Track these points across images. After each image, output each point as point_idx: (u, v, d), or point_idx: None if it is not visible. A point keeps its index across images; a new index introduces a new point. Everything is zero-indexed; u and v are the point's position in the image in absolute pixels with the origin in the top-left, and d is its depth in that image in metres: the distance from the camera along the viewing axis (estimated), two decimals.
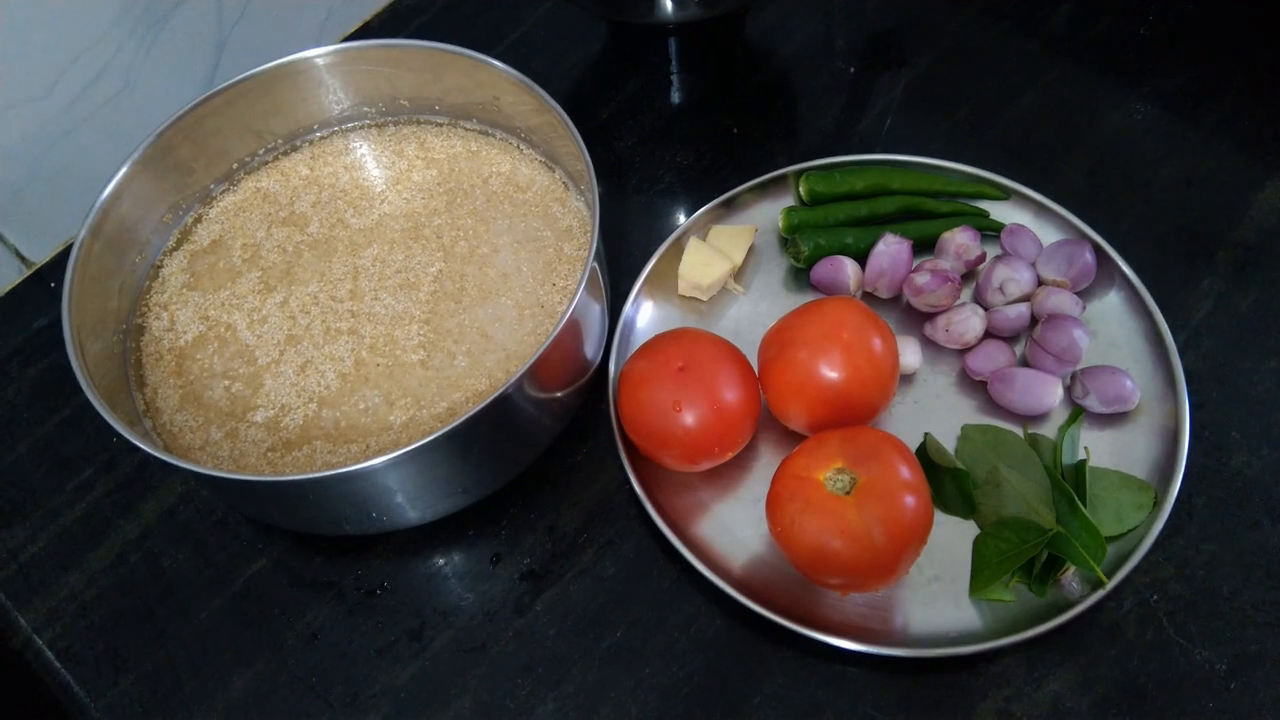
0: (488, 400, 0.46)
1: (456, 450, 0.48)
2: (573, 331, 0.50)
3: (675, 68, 0.74)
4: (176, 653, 0.54)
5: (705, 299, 0.61)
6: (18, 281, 0.68)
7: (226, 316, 0.57)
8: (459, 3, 0.78)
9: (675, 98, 0.73)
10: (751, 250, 0.63)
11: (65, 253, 0.53)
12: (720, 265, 0.60)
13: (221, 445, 0.53)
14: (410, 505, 0.51)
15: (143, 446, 0.46)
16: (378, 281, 0.58)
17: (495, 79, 0.58)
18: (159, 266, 0.59)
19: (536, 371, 0.48)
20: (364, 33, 0.77)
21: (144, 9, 0.65)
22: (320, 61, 0.59)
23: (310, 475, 0.46)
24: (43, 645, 0.55)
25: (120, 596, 0.56)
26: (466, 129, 0.63)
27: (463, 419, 0.46)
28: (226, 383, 0.55)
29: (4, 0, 0.59)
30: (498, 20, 0.77)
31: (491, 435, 0.50)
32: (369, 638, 0.54)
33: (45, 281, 0.68)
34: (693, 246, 0.61)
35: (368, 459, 0.45)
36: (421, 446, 0.46)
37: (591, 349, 0.55)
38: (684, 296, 0.62)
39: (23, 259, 0.69)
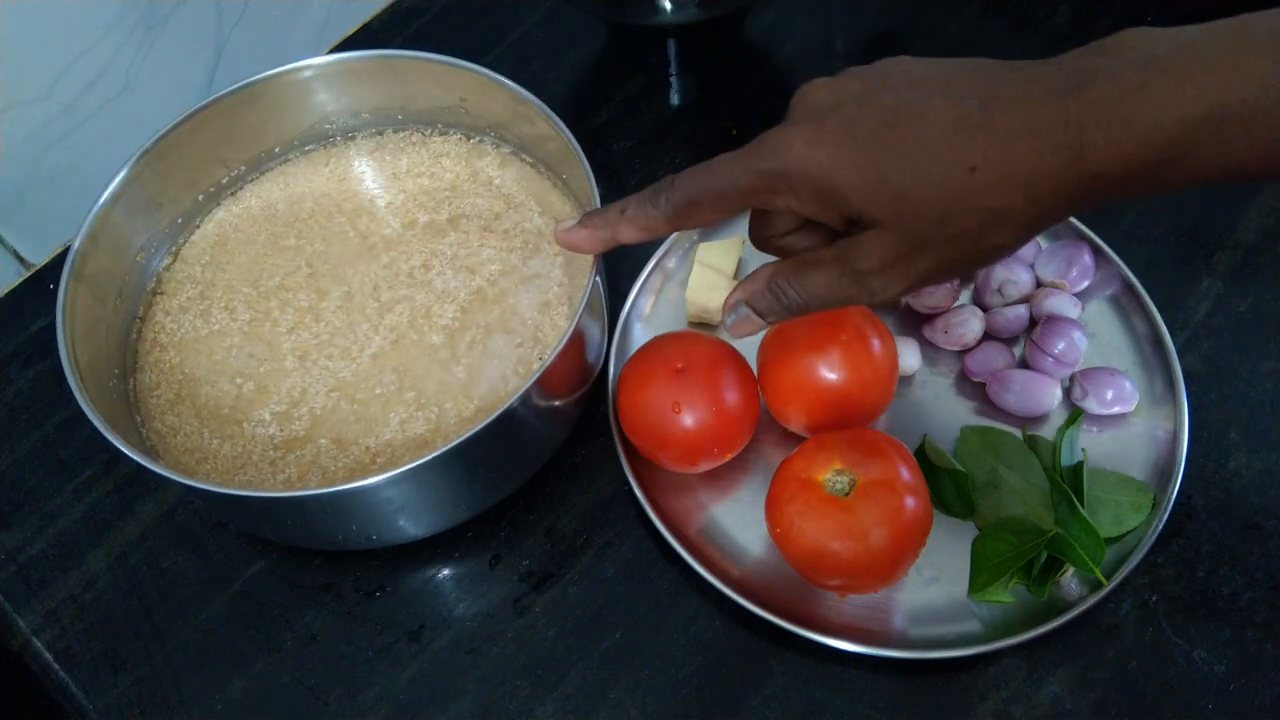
0: (493, 416, 0.46)
1: (461, 466, 0.48)
2: (576, 344, 0.50)
3: (674, 69, 0.74)
4: (175, 654, 0.54)
5: (716, 323, 0.61)
6: (17, 283, 0.68)
7: (231, 314, 0.57)
8: (458, 4, 0.78)
9: (675, 99, 0.73)
10: (747, 256, 0.62)
11: (64, 254, 0.52)
12: (727, 287, 0.60)
13: (220, 448, 0.53)
14: (411, 523, 0.51)
15: (138, 459, 0.46)
16: (391, 290, 0.58)
17: (495, 93, 0.58)
18: (160, 269, 0.59)
19: (543, 383, 0.47)
20: (363, 35, 0.77)
21: (143, 11, 0.65)
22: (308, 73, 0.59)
23: (304, 493, 0.45)
24: (41, 647, 0.55)
25: (119, 598, 0.56)
26: (458, 138, 0.63)
27: (467, 435, 0.45)
28: (237, 380, 0.55)
29: (4, 1, 0.59)
30: (497, 21, 0.77)
31: (494, 450, 0.49)
32: (368, 639, 0.54)
33: (44, 283, 0.68)
34: (697, 271, 0.60)
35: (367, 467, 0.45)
36: (425, 463, 0.45)
37: (593, 355, 0.55)
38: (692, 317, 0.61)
39: (21, 260, 0.69)
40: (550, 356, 0.47)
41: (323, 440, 0.53)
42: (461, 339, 0.55)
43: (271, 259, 0.59)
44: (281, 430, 0.53)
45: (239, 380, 0.55)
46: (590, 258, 0.51)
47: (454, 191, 0.61)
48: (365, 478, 0.45)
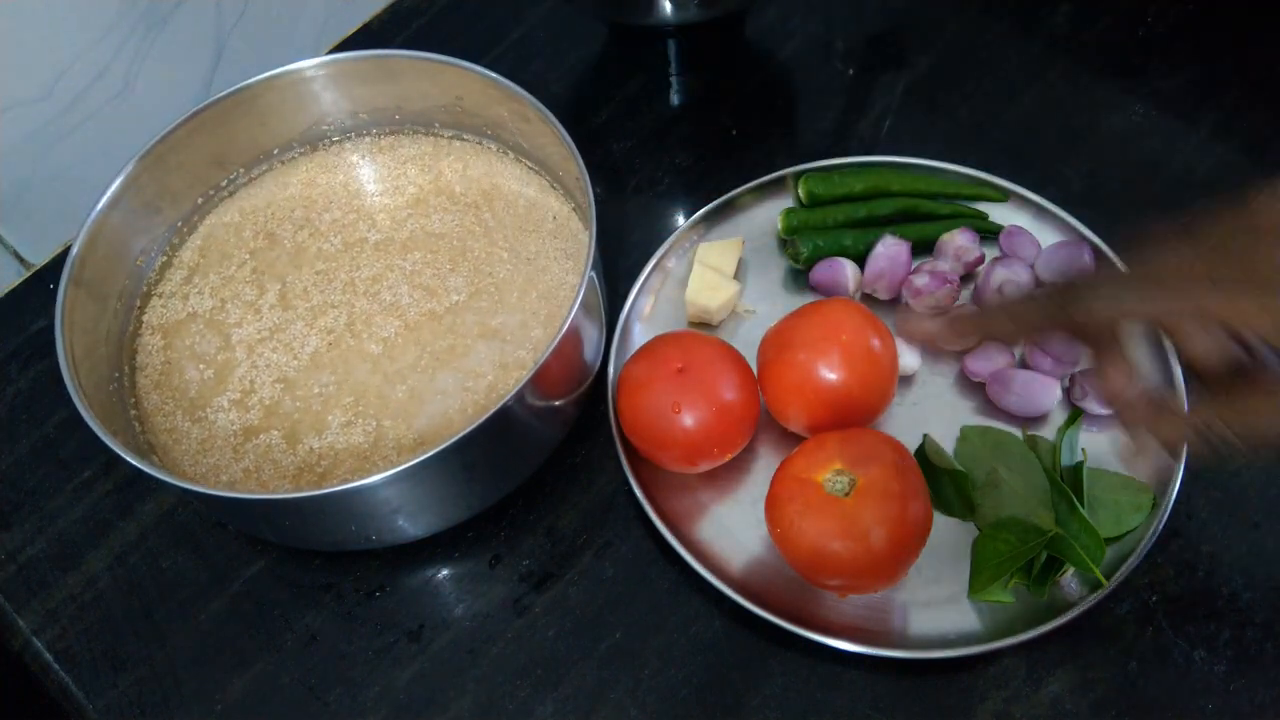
0: (488, 414, 0.46)
1: (459, 464, 0.48)
2: (572, 343, 0.50)
3: (674, 69, 0.74)
4: (175, 654, 0.54)
5: (715, 323, 0.61)
6: (17, 283, 0.68)
7: (200, 299, 0.58)
8: (458, 4, 0.78)
9: (674, 99, 0.73)
10: (747, 255, 0.63)
11: (64, 254, 0.53)
12: (727, 287, 0.60)
13: (191, 430, 0.54)
14: (410, 523, 0.51)
15: (139, 465, 0.46)
16: (373, 287, 0.58)
17: (495, 93, 0.57)
18: (159, 269, 0.59)
19: (537, 381, 0.47)
20: (363, 35, 0.77)
21: (143, 11, 0.65)
22: (313, 74, 0.59)
23: (302, 494, 0.45)
24: (41, 647, 0.55)
25: (119, 598, 0.56)
26: (456, 139, 0.63)
27: (467, 431, 0.45)
28: (200, 366, 0.56)
29: (3, 1, 0.59)
30: (497, 21, 0.77)
31: (491, 449, 0.49)
32: (368, 639, 0.54)
33: (44, 283, 0.68)
34: (697, 271, 0.60)
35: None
36: (423, 461, 0.45)
37: (590, 355, 0.55)
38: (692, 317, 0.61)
39: (22, 260, 0.69)
40: (544, 355, 0.47)
41: (274, 432, 0.53)
42: (404, 355, 0.55)
43: (237, 253, 0.60)
44: (240, 418, 0.54)
45: (201, 366, 0.56)
46: (585, 252, 0.51)
47: (416, 207, 0.61)
48: (312, 485, 0.45)
